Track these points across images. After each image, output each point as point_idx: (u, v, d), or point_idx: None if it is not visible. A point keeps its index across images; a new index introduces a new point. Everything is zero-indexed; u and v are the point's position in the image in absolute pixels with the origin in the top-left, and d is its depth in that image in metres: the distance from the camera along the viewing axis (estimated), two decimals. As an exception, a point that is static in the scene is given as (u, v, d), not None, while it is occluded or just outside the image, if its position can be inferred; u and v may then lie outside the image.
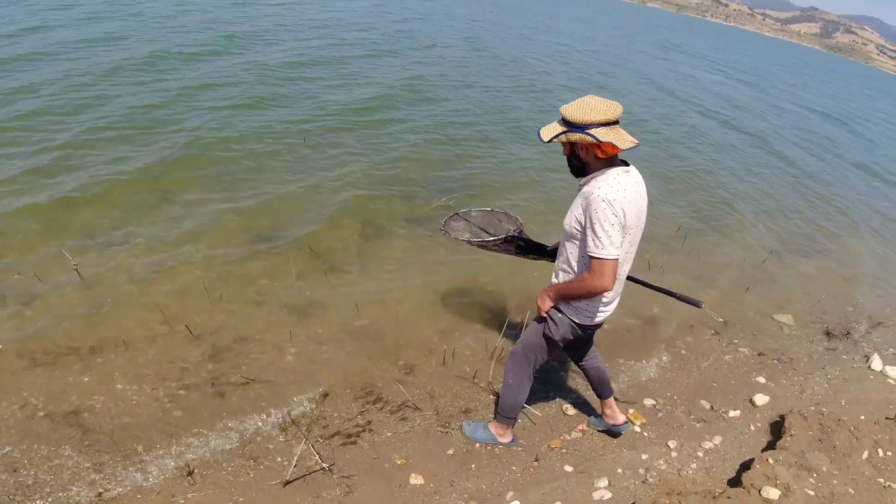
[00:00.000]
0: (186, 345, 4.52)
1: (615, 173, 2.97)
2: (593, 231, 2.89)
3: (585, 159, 3.02)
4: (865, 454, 4.02)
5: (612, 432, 4.25)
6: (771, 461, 3.78)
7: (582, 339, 3.67)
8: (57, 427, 3.75)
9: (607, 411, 4.16)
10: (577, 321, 3.32)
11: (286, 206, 6.86)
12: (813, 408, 4.82)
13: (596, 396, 4.19)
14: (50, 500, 3.29)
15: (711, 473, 4.12)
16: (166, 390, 4.10)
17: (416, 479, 3.68)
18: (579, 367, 4.04)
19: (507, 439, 4.03)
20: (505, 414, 3.89)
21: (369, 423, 4.06)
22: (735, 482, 3.85)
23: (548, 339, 3.46)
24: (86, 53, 11.26)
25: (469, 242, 4.20)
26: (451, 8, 32.18)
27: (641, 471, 4.01)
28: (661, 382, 5.08)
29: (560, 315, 3.33)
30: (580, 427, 4.34)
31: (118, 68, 10.63)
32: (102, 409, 3.91)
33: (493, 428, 4.03)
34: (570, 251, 3.20)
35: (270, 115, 9.69)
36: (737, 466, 4.17)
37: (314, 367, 4.49)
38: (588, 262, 3.00)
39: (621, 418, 4.17)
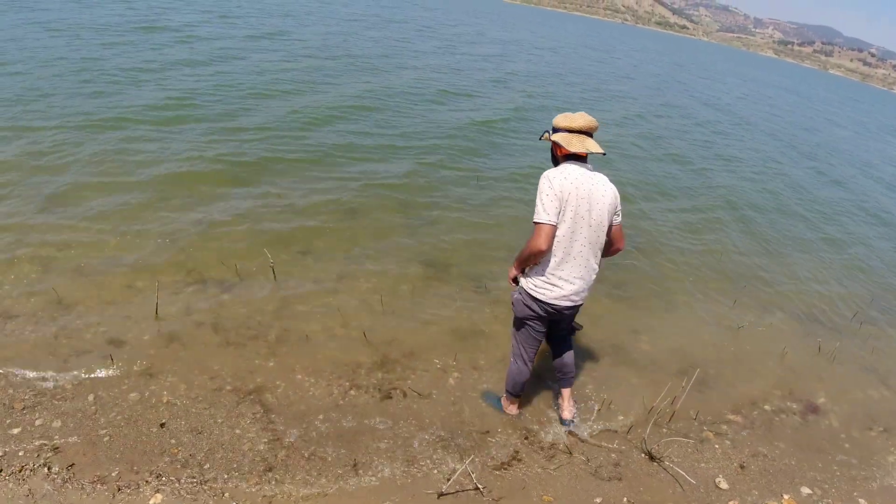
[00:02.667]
0: (361, 349, 4.93)
1: (568, 165, 3.68)
2: (537, 201, 3.59)
3: (556, 156, 3.83)
4: None
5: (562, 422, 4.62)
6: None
7: (553, 322, 4.13)
8: (241, 401, 4.23)
9: (561, 402, 4.65)
10: (534, 296, 3.86)
11: (461, 240, 7.28)
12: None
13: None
14: (228, 463, 3.71)
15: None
16: (339, 387, 4.50)
17: (561, 519, 3.76)
18: (550, 349, 4.58)
19: (512, 411, 4.57)
20: (507, 389, 4.48)
21: (520, 454, 4.20)
22: None
23: (517, 321, 4.11)
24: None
25: None
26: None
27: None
28: (817, 472, 4.80)
29: (517, 296, 4.01)
30: (732, 503, 4.23)
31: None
32: (282, 394, 4.36)
33: (503, 400, 4.60)
34: None
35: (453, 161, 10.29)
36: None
37: (473, 394, 4.72)
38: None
39: (566, 414, 4.60)
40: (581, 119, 3.68)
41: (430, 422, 4.33)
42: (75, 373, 4.23)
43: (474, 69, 20.74)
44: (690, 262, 8.05)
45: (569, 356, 4.51)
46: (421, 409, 4.44)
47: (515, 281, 4.03)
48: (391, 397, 4.49)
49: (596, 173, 3.72)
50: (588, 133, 3.72)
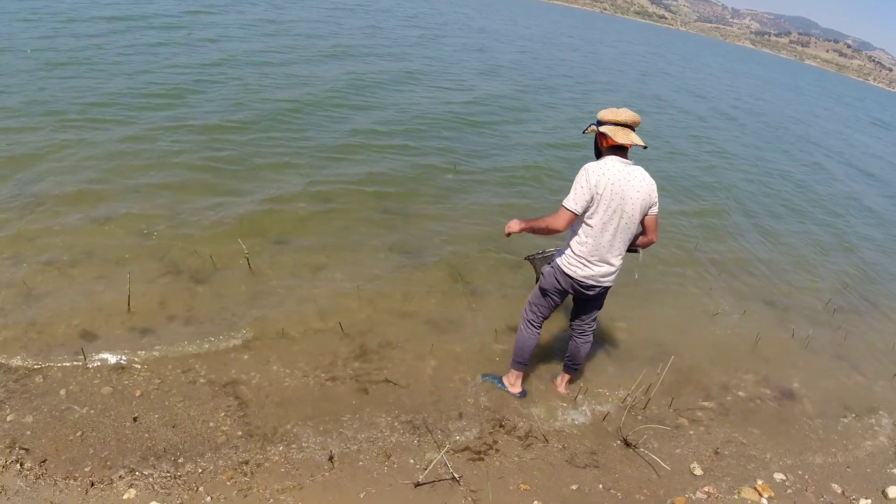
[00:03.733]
0: (337, 341, 4.91)
1: (610, 159, 3.88)
2: (572, 188, 3.85)
3: (600, 147, 4.02)
4: None
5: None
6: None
7: (580, 302, 4.42)
8: (216, 394, 4.19)
9: (558, 380, 4.91)
10: (565, 271, 4.12)
11: (435, 228, 7.26)
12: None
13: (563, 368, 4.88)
14: (200, 456, 3.68)
15: (835, 560, 3.95)
16: (316, 378, 4.48)
17: (537, 507, 3.78)
18: (571, 333, 4.69)
19: (516, 389, 4.70)
20: (515, 360, 4.61)
21: (497, 443, 4.21)
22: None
23: (541, 290, 4.35)
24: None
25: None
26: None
27: (764, 545, 3.91)
28: (793, 458, 4.90)
29: (549, 269, 4.26)
30: (707, 489, 4.27)
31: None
32: (257, 386, 4.33)
33: (506, 379, 4.73)
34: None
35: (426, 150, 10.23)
36: (862, 556, 3.98)
37: (451, 384, 4.72)
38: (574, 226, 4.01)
39: (561, 390, 4.88)
40: (626, 114, 3.86)
41: (406, 412, 4.33)
42: (47, 367, 4.16)
43: (456, 60, 20.67)
44: (667, 251, 8.10)
45: (585, 348, 4.67)
46: (398, 399, 4.43)
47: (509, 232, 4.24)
48: (368, 388, 4.47)
49: (635, 167, 3.94)
50: (632, 127, 3.91)
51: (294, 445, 3.88)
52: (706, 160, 13.82)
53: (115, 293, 4.98)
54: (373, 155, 9.37)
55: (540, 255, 5.06)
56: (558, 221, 3.86)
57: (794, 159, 16.95)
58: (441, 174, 9.15)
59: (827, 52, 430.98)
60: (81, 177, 6.89)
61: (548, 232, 3.95)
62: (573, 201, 3.82)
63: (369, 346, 4.91)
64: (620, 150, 3.92)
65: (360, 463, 3.84)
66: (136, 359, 4.35)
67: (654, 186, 3.99)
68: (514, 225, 4.14)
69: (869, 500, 4.58)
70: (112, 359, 4.32)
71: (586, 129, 4.07)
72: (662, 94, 23.66)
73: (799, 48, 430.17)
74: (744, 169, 13.93)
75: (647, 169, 4.00)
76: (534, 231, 4.04)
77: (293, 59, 15.25)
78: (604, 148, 3.97)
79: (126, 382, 4.14)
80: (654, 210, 4.04)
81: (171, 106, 9.84)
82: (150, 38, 14.31)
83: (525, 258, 5.53)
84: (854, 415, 5.71)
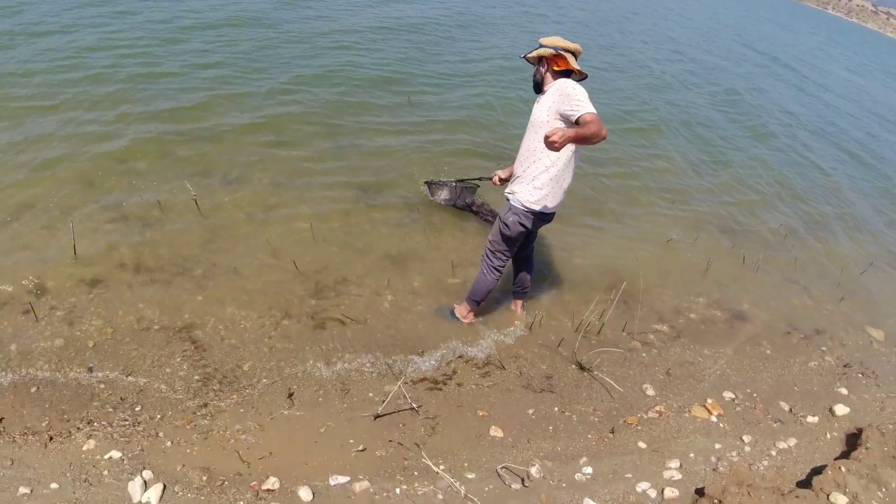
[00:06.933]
0: (292, 279, 4.86)
1: (568, 79, 3.90)
2: (578, 101, 3.66)
3: (544, 73, 4.00)
4: (936, 478, 3.95)
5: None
6: (843, 469, 3.77)
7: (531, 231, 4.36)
8: (170, 340, 4.13)
9: (512, 307, 5.08)
10: (534, 210, 4.10)
11: (390, 162, 7.13)
12: (892, 426, 4.73)
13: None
14: (160, 403, 3.65)
15: (782, 472, 4.14)
16: (272, 318, 4.44)
17: (496, 432, 3.88)
18: (515, 262, 4.79)
19: (469, 320, 4.80)
20: (473, 299, 4.66)
21: (455, 373, 4.29)
22: (805, 484, 3.86)
23: (505, 238, 4.31)
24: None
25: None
26: None
27: (713, 459, 4.08)
28: (742, 377, 5.08)
29: (512, 217, 4.17)
30: (658, 408, 4.43)
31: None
32: (213, 329, 4.28)
33: (459, 310, 4.80)
34: (532, 141, 4.02)
35: (376, 76, 9.92)
36: (808, 470, 4.16)
37: (408, 316, 4.76)
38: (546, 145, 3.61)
39: (519, 313, 5.05)
40: (574, 44, 3.98)
41: (364, 346, 4.35)
42: (-5, 324, 4.04)
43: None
44: (622, 180, 8.19)
45: (531, 270, 4.85)
46: (355, 334, 4.44)
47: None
48: (325, 325, 4.47)
49: None
50: (576, 56, 4.01)
51: (252, 385, 3.87)
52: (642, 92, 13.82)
53: (61, 243, 4.81)
54: (324, 88, 8.99)
55: (453, 182, 5.94)
56: (603, 126, 3.54)
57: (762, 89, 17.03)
58: (395, 107, 8.91)
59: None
60: (18, 118, 6.49)
61: (600, 137, 3.56)
62: (592, 106, 3.63)
63: (325, 283, 4.88)
64: (566, 76, 3.97)
65: (320, 399, 3.86)
66: (88, 309, 4.24)
67: None
68: (563, 133, 3.48)
69: (816, 418, 4.79)
70: (62, 311, 4.19)
71: (529, 54, 4.06)
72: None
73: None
74: (694, 102, 13.94)
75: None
76: (579, 140, 3.63)
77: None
78: (552, 71, 3.97)
79: (78, 334, 4.04)
80: None
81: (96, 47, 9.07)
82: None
83: (425, 182, 6.29)
84: (802, 335, 5.92)
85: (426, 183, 6.41)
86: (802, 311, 6.36)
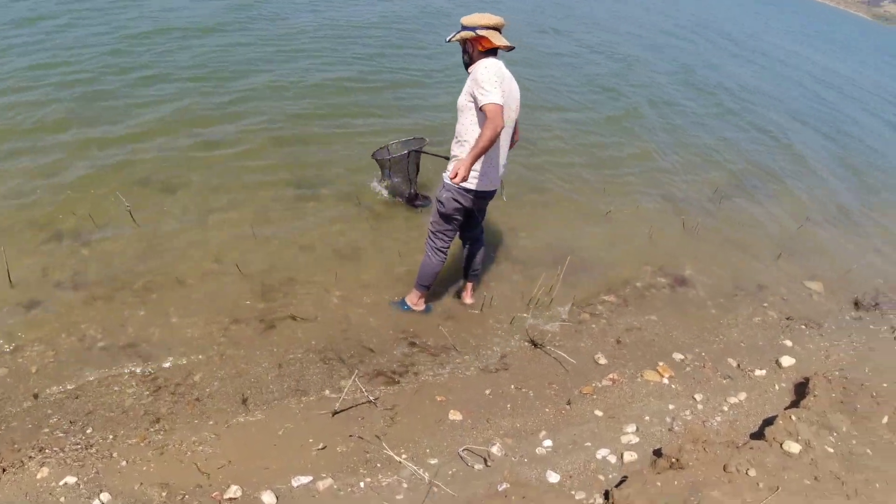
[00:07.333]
0: (237, 283, 4.77)
1: (493, 59, 3.89)
2: (481, 88, 3.69)
3: (471, 53, 3.99)
4: (885, 419, 4.13)
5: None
6: (793, 418, 3.91)
7: (469, 213, 4.40)
8: (116, 357, 4.02)
9: (463, 292, 5.05)
10: (467, 188, 4.10)
11: (330, 156, 7.00)
12: (837, 372, 4.92)
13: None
14: (111, 423, 3.55)
15: (735, 426, 4.28)
16: (219, 325, 4.36)
17: (455, 415, 3.91)
18: (464, 244, 4.83)
19: (420, 307, 4.79)
20: (420, 284, 4.66)
21: (410, 361, 4.30)
22: (758, 435, 4.00)
23: (443, 216, 4.30)
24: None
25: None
26: None
27: (668, 419, 4.20)
28: (690, 338, 5.23)
29: (446, 194, 4.16)
30: (611, 376, 4.52)
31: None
32: (159, 342, 4.17)
33: (409, 299, 4.77)
34: (463, 123, 4.02)
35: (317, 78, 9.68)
36: (759, 422, 4.31)
37: (359, 310, 4.72)
38: (480, 119, 3.84)
39: (468, 300, 5.03)
40: (495, 18, 3.91)
41: (317, 344, 4.31)
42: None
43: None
44: (562, 156, 8.29)
45: (480, 254, 4.83)
46: (307, 333, 4.40)
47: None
48: (275, 326, 4.40)
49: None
50: (500, 30, 3.96)
51: (205, 395, 3.81)
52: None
53: (-7, 268, 4.64)
54: (257, 72, 8.90)
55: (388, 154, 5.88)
56: (499, 119, 3.64)
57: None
58: (333, 92, 8.81)
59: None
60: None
61: (495, 137, 3.66)
62: (495, 94, 3.67)
63: (271, 284, 4.81)
64: (493, 54, 3.96)
65: (275, 401, 3.82)
66: (27, 334, 4.08)
67: None
68: (464, 167, 3.69)
69: (764, 371, 4.96)
70: (0, 340, 4.03)
71: (452, 37, 4.03)
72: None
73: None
74: (620, 73, 14.14)
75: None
76: (483, 152, 3.72)
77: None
78: (477, 52, 3.96)
79: (20, 360, 3.88)
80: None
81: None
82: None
83: (373, 157, 6.04)
84: (745, 293, 6.12)
85: (376, 159, 6.10)
86: (743, 270, 6.56)
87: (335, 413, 3.74)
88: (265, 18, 12.09)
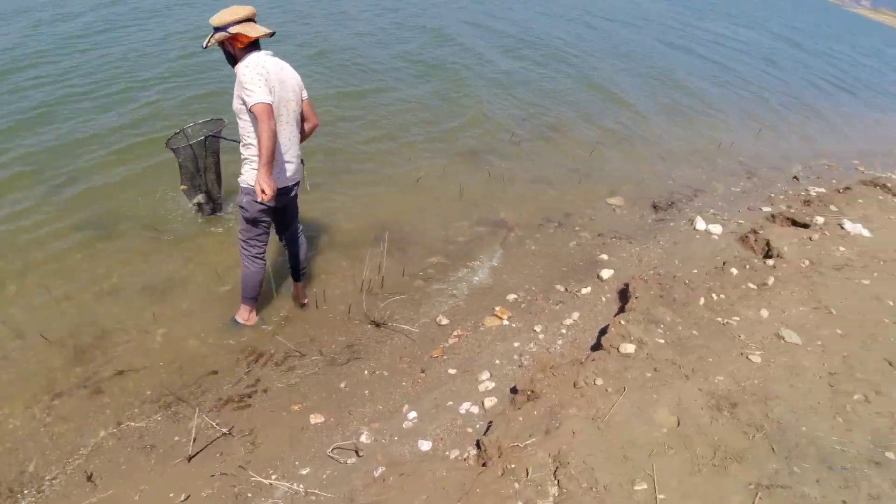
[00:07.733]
0: (46, 353, 4.24)
1: (255, 54, 3.75)
2: (245, 89, 3.59)
3: (233, 53, 3.82)
4: (702, 301, 4.63)
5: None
6: (623, 322, 4.27)
7: (278, 212, 4.29)
8: (-75, 473, 3.51)
9: (293, 293, 4.92)
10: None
11: (119, 188, 6.25)
12: (651, 271, 5.45)
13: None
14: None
15: (576, 344, 4.61)
16: (41, 405, 3.88)
17: (316, 419, 3.85)
18: (284, 244, 4.68)
19: (252, 321, 4.61)
20: (245, 297, 4.49)
21: (258, 380, 4.14)
22: (597, 347, 4.34)
23: (250, 221, 4.12)
24: None
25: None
26: None
27: (516, 357, 4.42)
28: (518, 278, 5.52)
29: (246, 198, 3.99)
30: (455, 333, 4.67)
31: None
32: (-24, 441, 3.69)
33: (239, 315, 4.59)
34: (243, 126, 3.87)
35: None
36: (596, 334, 4.68)
37: (189, 343, 4.44)
38: (254, 120, 3.70)
39: (302, 300, 4.90)
40: (244, 9, 3.75)
41: (151, 392, 4.01)
42: None
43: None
44: (365, 132, 8.29)
45: (303, 251, 4.68)
46: (138, 383, 4.06)
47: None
48: (100, 388, 4.00)
49: (276, 57, 3.90)
50: (253, 20, 3.80)
51: (45, 485, 3.42)
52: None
53: None
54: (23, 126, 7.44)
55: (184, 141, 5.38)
56: (270, 121, 3.56)
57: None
58: (104, 110, 7.93)
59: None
60: None
61: (274, 138, 3.58)
62: (261, 93, 3.58)
63: (84, 343, 4.34)
64: (255, 47, 3.82)
65: (123, 467, 3.51)
66: None
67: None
68: (264, 180, 3.60)
69: (589, 288, 5.35)
70: None
71: (208, 41, 3.85)
72: None
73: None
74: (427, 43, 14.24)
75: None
76: (271, 157, 3.62)
77: None
78: (240, 50, 3.78)
79: None
80: (306, 94, 4.11)
81: None
82: None
83: (167, 145, 5.46)
84: (556, 223, 6.55)
85: (171, 147, 5.45)
86: (551, 203, 7.01)
87: (191, 458, 3.53)
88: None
